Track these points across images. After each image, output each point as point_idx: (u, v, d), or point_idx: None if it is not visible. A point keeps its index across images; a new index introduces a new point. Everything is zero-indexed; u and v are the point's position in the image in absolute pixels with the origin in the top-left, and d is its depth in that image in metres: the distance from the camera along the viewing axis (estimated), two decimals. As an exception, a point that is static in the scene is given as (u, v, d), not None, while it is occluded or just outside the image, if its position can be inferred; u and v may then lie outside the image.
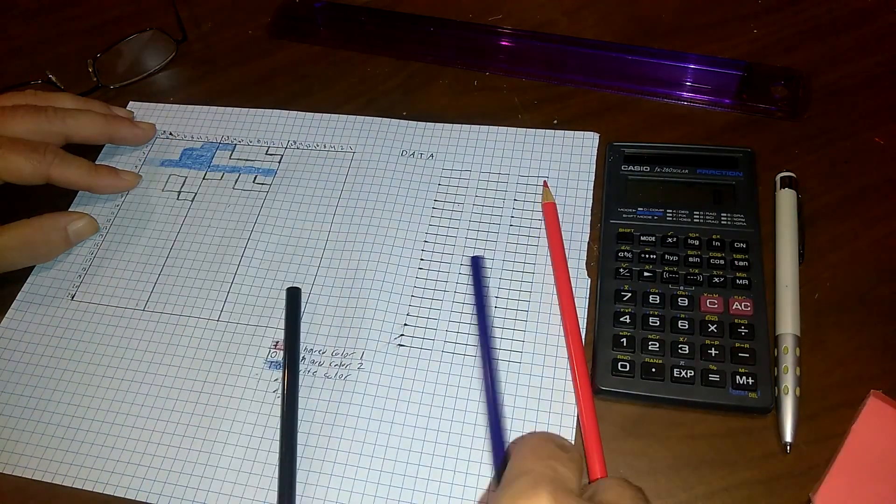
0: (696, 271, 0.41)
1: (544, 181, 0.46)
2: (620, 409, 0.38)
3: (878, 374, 0.37)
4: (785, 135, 0.47)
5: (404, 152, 0.49)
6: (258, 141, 0.51)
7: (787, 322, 0.38)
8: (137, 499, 0.38)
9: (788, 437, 0.35)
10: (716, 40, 0.52)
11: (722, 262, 0.41)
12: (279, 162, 0.50)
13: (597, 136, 0.48)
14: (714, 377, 0.37)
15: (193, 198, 0.49)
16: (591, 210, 0.45)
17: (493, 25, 0.55)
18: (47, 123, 0.46)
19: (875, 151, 0.45)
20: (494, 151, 0.48)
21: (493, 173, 0.47)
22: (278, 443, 0.38)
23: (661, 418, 0.37)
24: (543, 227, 0.44)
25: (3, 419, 0.41)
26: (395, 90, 0.53)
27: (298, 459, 0.38)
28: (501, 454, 0.31)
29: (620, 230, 0.43)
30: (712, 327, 0.38)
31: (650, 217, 0.43)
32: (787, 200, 0.42)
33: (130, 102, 0.55)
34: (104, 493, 0.38)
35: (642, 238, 0.42)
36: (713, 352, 0.38)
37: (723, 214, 0.42)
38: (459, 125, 0.50)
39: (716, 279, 0.40)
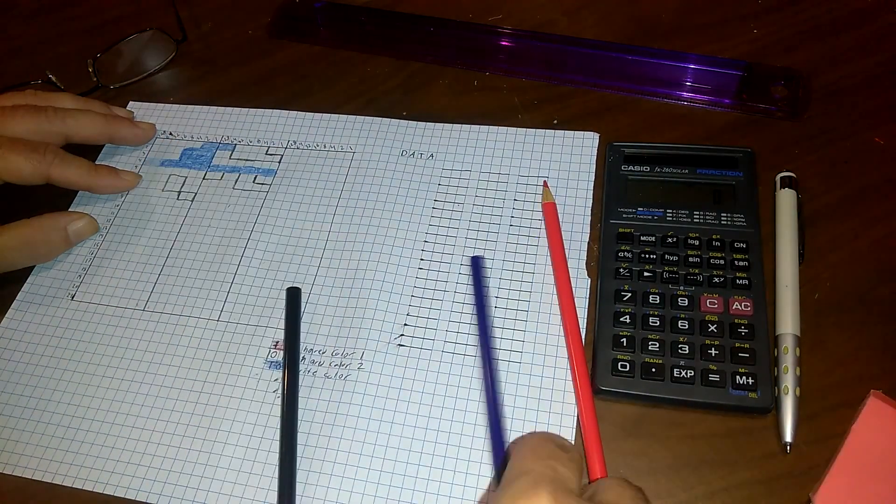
0: (696, 271, 0.41)
1: (544, 181, 0.46)
2: (620, 409, 0.38)
3: (878, 374, 0.37)
4: (785, 135, 0.47)
5: (404, 152, 0.49)
6: (258, 141, 0.51)
7: (787, 322, 0.38)
8: (137, 499, 0.38)
9: (788, 437, 0.35)
10: (716, 40, 0.52)
11: (722, 262, 0.41)
12: (279, 162, 0.50)
13: (597, 136, 0.48)
14: (714, 377, 0.37)
15: (193, 198, 0.49)
16: (591, 210, 0.45)
17: (493, 25, 0.55)
18: (47, 123, 0.46)
19: (875, 151, 0.45)
20: (494, 151, 0.48)
21: (493, 173, 0.47)
22: (278, 443, 0.38)
23: (661, 418, 0.37)
24: (543, 227, 0.44)
25: (3, 419, 0.41)
26: (395, 90, 0.53)
27: (298, 459, 0.38)
28: (501, 454, 0.31)
29: (620, 230, 0.43)
30: (712, 327, 0.38)
31: (650, 217, 0.43)
32: (787, 200, 0.42)
33: (130, 102, 0.55)
34: (104, 493, 0.38)
35: (642, 238, 0.42)
36: (713, 352, 0.38)
37: (723, 214, 0.42)
38: (459, 125, 0.50)
39: (716, 279, 0.40)
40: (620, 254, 0.42)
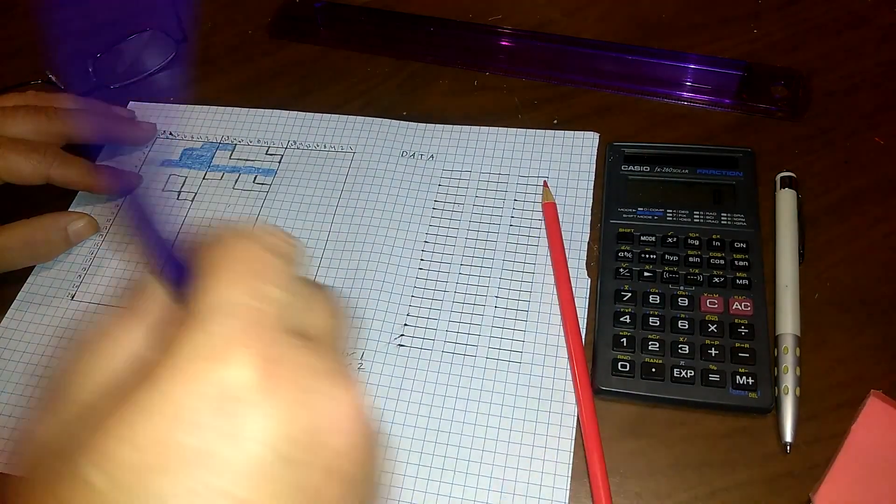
0: (696, 271, 0.40)
1: (544, 181, 0.46)
2: (620, 409, 0.38)
3: (878, 374, 0.37)
4: (785, 135, 0.47)
5: (404, 153, 0.49)
6: (258, 141, 0.51)
7: (787, 322, 0.38)
8: (137, 499, 0.38)
9: (788, 437, 0.35)
10: (716, 40, 0.52)
11: (722, 262, 0.41)
12: (279, 162, 0.50)
13: (597, 136, 0.48)
14: (714, 377, 0.37)
15: (193, 198, 0.49)
16: (591, 210, 0.45)
17: (493, 25, 0.55)
18: (47, 124, 0.46)
19: (875, 151, 0.45)
20: (494, 152, 0.48)
21: (493, 174, 0.47)
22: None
23: (661, 418, 0.37)
24: (543, 227, 0.44)
25: (3, 419, 0.41)
26: (395, 90, 0.53)
27: (298, 459, 0.38)
28: (171, 255, 0.20)
29: (620, 230, 0.43)
30: (712, 327, 0.38)
31: (650, 217, 0.43)
32: (787, 200, 0.42)
33: (130, 102, 0.55)
34: (104, 493, 0.38)
35: (642, 238, 0.42)
36: (713, 352, 0.38)
37: (723, 214, 0.42)
38: (459, 126, 0.50)
39: (716, 279, 0.40)
40: (620, 254, 0.42)
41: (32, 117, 0.46)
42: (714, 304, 0.39)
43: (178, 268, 0.20)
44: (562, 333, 0.40)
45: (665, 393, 0.37)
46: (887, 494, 0.33)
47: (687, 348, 0.38)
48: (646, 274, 0.41)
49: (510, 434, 0.37)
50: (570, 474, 0.36)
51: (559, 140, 0.48)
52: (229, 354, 0.17)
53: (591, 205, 0.45)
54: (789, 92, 0.48)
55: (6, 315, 0.45)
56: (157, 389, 0.17)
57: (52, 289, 0.46)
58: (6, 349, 0.44)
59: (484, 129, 0.49)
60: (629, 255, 0.42)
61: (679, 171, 0.45)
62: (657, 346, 0.38)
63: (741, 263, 0.40)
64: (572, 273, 0.42)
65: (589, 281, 0.42)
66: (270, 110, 0.53)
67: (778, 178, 0.44)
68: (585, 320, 0.40)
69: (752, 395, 0.36)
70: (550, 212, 0.44)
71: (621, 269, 0.41)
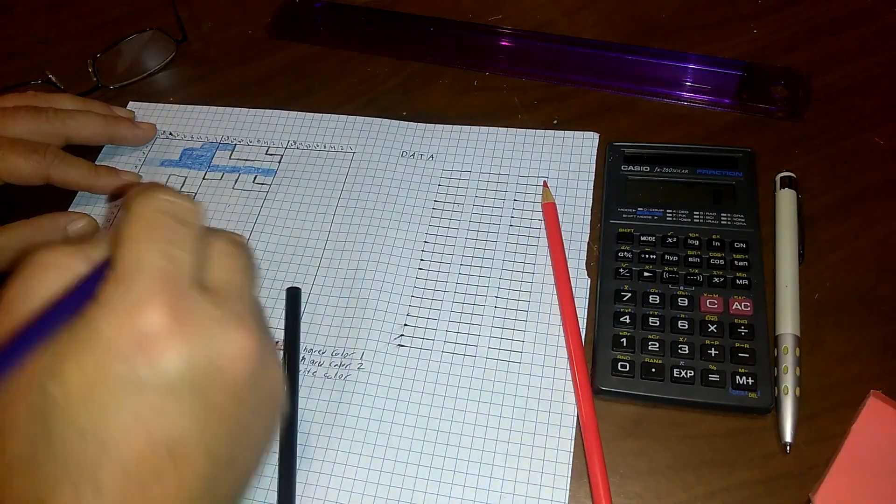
0: (696, 271, 0.40)
1: (544, 181, 0.46)
2: (620, 409, 0.38)
3: (878, 374, 0.37)
4: (785, 135, 0.47)
5: (404, 153, 0.49)
6: (258, 141, 0.51)
7: (787, 322, 0.38)
8: (137, 499, 0.38)
9: (788, 437, 0.35)
10: (716, 40, 0.52)
11: (722, 262, 0.41)
12: (279, 162, 0.50)
13: (597, 136, 0.48)
14: (714, 377, 0.37)
15: (193, 198, 0.49)
16: (591, 210, 0.45)
17: (493, 25, 0.55)
18: (47, 124, 0.46)
19: (875, 151, 0.45)
20: (494, 152, 0.48)
21: (492, 174, 0.47)
22: (278, 443, 0.38)
23: (661, 418, 0.37)
24: (543, 227, 0.44)
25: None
26: (395, 90, 0.53)
27: (298, 459, 0.38)
28: None
29: (620, 230, 0.43)
30: (712, 327, 0.38)
31: (650, 217, 0.43)
32: (786, 200, 0.42)
33: (130, 102, 0.55)
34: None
35: (642, 238, 0.42)
36: (713, 352, 0.38)
37: (723, 214, 0.42)
38: (459, 126, 0.50)
39: (716, 279, 0.40)
40: (620, 254, 0.42)
41: (32, 117, 0.46)
42: (714, 304, 0.39)
43: None
44: (562, 333, 0.40)
45: (665, 393, 0.37)
46: (887, 494, 0.33)
47: (687, 348, 0.38)
48: (646, 274, 0.41)
49: (510, 434, 0.37)
50: (570, 474, 0.36)
51: (559, 140, 0.48)
52: (145, 305, 0.22)
53: (590, 205, 0.45)
54: (789, 92, 0.48)
55: (6, 315, 0.45)
56: (92, 327, 0.22)
57: (52, 289, 0.46)
58: (6, 349, 0.44)
59: (484, 129, 0.49)
60: (629, 255, 0.42)
61: (679, 171, 0.45)
62: (657, 346, 0.38)
63: (741, 263, 0.40)
64: (572, 273, 0.42)
65: (589, 281, 0.42)
66: (270, 110, 0.53)
67: (778, 178, 0.44)
68: (585, 320, 0.40)
69: (751, 395, 0.36)
70: (550, 212, 0.44)
71: (621, 270, 0.41)
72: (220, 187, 0.49)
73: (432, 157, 0.49)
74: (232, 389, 0.24)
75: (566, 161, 0.47)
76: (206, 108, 0.54)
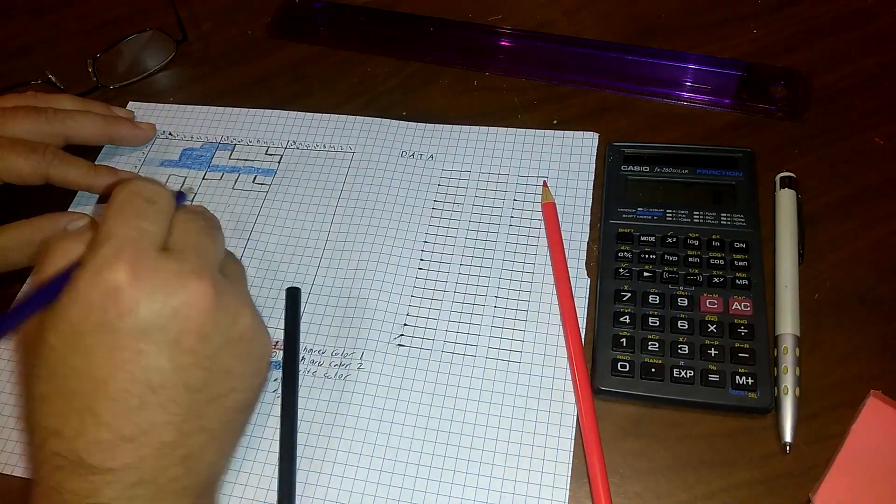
0: (696, 271, 0.40)
1: (544, 181, 0.46)
2: (620, 409, 0.38)
3: (878, 374, 0.37)
4: (785, 135, 0.47)
5: (404, 153, 0.49)
6: (258, 141, 0.51)
7: (787, 322, 0.38)
8: (137, 499, 0.38)
9: (788, 437, 0.35)
10: (716, 40, 0.52)
11: (722, 262, 0.41)
12: (279, 162, 0.50)
13: (596, 136, 0.48)
14: (714, 377, 0.37)
15: (193, 198, 0.49)
16: (591, 210, 0.45)
17: (493, 25, 0.55)
18: (47, 124, 0.46)
19: (875, 151, 0.45)
20: (494, 152, 0.48)
21: (492, 174, 0.47)
22: (278, 443, 0.38)
23: (660, 418, 0.37)
24: (543, 227, 0.44)
25: (3, 419, 0.41)
26: (395, 90, 0.53)
27: (298, 459, 0.38)
28: None
29: (620, 230, 0.43)
30: (712, 327, 0.38)
31: (650, 217, 0.43)
32: (786, 200, 0.42)
33: (130, 102, 0.55)
34: (104, 493, 0.38)
35: (642, 238, 0.42)
36: (713, 352, 0.38)
37: (723, 214, 0.42)
38: (459, 126, 0.50)
39: (716, 279, 0.40)
40: (620, 254, 0.42)
41: (32, 118, 0.46)
42: (714, 304, 0.39)
43: None
44: (561, 333, 0.40)
45: (665, 393, 0.37)
46: (887, 494, 0.33)
47: (686, 348, 0.38)
48: (645, 274, 0.41)
49: (510, 434, 0.37)
50: (569, 474, 0.36)
51: (559, 140, 0.48)
52: (112, 264, 0.28)
53: (590, 205, 0.45)
54: (789, 92, 0.48)
55: (6, 315, 0.45)
56: (74, 286, 0.28)
57: (52, 289, 0.46)
58: (6, 349, 0.44)
59: (483, 129, 0.49)
60: (629, 255, 0.42)
61: (679, 171, 0.45)
62: (657, 346, 0.38)
63: (741, 263, 0.40)
64: (572, 273, 0.42)
65: (588, 281, 0.42)
66: (270, 110, 0.53)
67: (778, 178, 0.44)
68: (585, 320, 0.40)
69: (751, 395, 0.36)
70: (550, 212, 0.44)
71: (621, 270, 0.41)
72: (219, 187, 0.49)
73: (432, 157, 0.49)
74: (193, 328, 0.29)
75: (566, 161, 0.47)
76: (205, 108, 0.54)
